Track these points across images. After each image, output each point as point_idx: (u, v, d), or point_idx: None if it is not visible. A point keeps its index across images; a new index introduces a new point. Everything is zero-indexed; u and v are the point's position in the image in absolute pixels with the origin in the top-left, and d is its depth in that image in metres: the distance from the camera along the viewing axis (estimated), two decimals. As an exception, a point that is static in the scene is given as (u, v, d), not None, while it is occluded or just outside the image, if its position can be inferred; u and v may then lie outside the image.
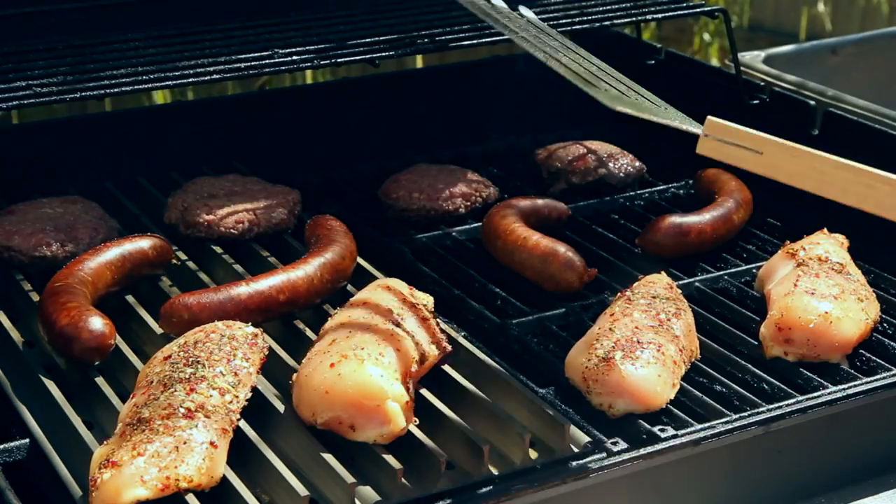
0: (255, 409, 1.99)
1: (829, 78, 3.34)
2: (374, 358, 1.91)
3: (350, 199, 2.96)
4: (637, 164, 3.03)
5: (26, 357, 2.20)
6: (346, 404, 1.88)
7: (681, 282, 2.49)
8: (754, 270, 2.59)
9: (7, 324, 2.31)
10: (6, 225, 2.53)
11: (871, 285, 2.43)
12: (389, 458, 1.85)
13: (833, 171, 1.59)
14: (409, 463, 1.88)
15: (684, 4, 3.01)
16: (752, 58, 3.44)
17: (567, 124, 3.32)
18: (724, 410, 2.08)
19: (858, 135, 2.83)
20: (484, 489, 1.87)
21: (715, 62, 5.79)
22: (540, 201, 2.78)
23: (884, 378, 2.18)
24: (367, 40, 2.73)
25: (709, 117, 1.87)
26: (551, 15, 2.94)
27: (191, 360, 1.95)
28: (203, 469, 1.77)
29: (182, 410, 1.83)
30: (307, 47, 2.69)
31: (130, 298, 2.37)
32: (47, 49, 2.64)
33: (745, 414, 2.07)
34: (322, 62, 2.64)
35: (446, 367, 2.11)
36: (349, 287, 2.41)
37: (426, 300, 2.23)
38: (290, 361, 2.12)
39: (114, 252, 2.35)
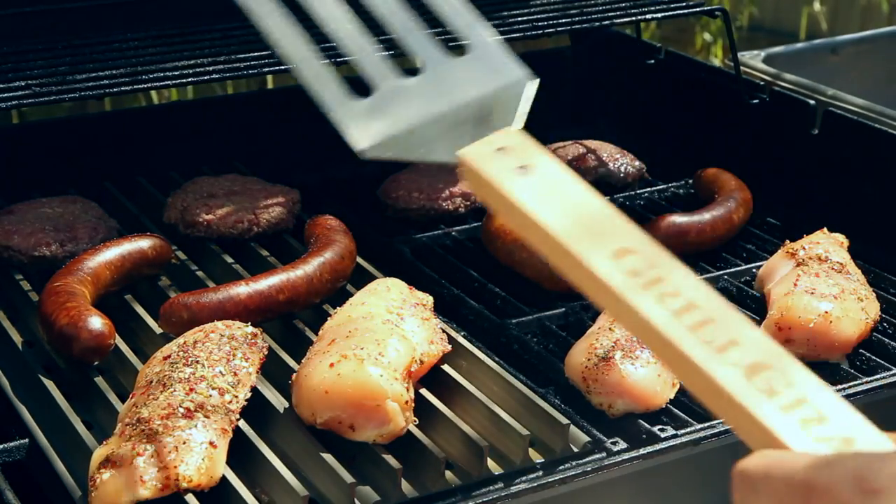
0: (255, 409, 1.99)
1: (828, 78, 3.33)
2: (373, 358, 1.91)
3: (350, 199, 2.96)
4: (637, 163, 3.03)
5: (26, 357, 2.20)
6: (346, 404, 1.87)
7: (681, 281, 2.49)
8: (754, 270, 2.59)
9: (6, 324, 2.32)
10: (5, 224, 2.52)
11: (871, 285, 2.43)
12: (389, 458, 1.85)
13: (565, 256, 1.19)
14: (409, 463, 1.88)
15: (684, 4, 3.01)
16: (752, 57, 3.43)
17: (567, 124, 3.32)
18: (724, 410, 2.08)
19: (858, 134, 2.83)
20: (484, 489, 1.87)
21: (717, 62, 5.78)
22: (540, 201, 2.77)
23: (884, 378, 2.18)
24: (367, 40, 2.73)
25: (459, 154, 1.35)
26: (551, 15, 2.93)
27: (190, 359, 1.95)
28: (202, 469, 1.77)
29: (181, 410, 1.83)
30: (307, 47, 2.68)
31: (130, 298, 2.37)
32: (47, 49, 2.64)
33: (745, 414, 2.07)
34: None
35: (446, 367, 2.11)
36: (349, 287, 2.40)
37: (426, 300, 2.23)
38: (290, 361, 2.12)
39: (113, 252, 2.35)
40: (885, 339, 2.32)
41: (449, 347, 2.13)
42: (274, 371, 2.11)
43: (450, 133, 1.39)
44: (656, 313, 1.08)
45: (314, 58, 1.52)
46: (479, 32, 1.47)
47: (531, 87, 1.43)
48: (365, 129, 1.40)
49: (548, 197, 1.26)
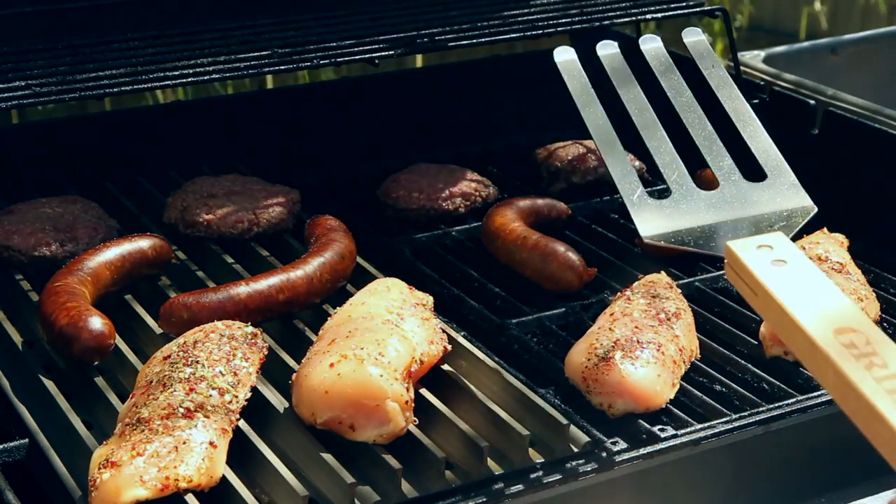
0: (255, 409, 1.99)
1: (828, 77, 3.34)
2: (373, 358, 1.91)
3: (350, 199, 2.96)
4: (637, 163, 3.02)
5: (26, 357, 2.20)
6: (346, 404, 1.87)
7: (681, 282, 2.49)
8: (754, 270, 2.59)
9: (6, 324, 2.31)
10: (6, 225, 2.52)
11: (871, 285, 2.43)
12: (389, 458, 1.85)
13: (795, 330, 1.48)
14: (409, 463, 1.88)
15: (684, 4, 3.01)
16: (752, 57, 3.43)
17: (567, 124, 3.31)
18: (724, 410, 2.08)
19: (858, 134, 2.83)
20: (484, 489, 1.87)
21: (716, 62, 5.78)
22: (540, 201, 2.78)
23: (884, 378, 2.18)
24: (367, 40, 2.73)
25: (727, 244, 1.66)
26: (551, 15, 2.94)
27: (190, 359, 1.94)
28: (202, 469, 1.77)
29: (181, 410, 1.83)
30: (307, 47, 2.69)
31: (130, 298, 2.37)
32: (47, 49, 2.64)
33: (745, 414, 2.07)
34: (322, 62, 2.64)
35: (446, 367, 2.11)
36: (349, 287, 2.40)
37: (426, 300, 2.23)
38: (290, 361, 2.12)
39: (113, 252, 2.35)
40: (885, 339, 2.32)
41: (449, 347, 2.13)
42: (274, 371, 2.11)
43: (725, 235, 1.74)
44: (861, 377, 1.31)
45: (625, 157, 1.95)
46: (778, 165, 1.89)
47: (812, 212, 1.82)
48: (652, 223, 1.82)
49: (793, 286, 1.51)
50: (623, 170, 1.92)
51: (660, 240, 1.81)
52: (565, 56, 2.08)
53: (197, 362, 1.94)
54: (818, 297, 1.49)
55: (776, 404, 2.10)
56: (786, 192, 1.88)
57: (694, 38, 2.16)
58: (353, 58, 2.68)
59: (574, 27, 2.92)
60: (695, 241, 1.79)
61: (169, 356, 1.98)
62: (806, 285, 1.52)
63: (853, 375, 1.32)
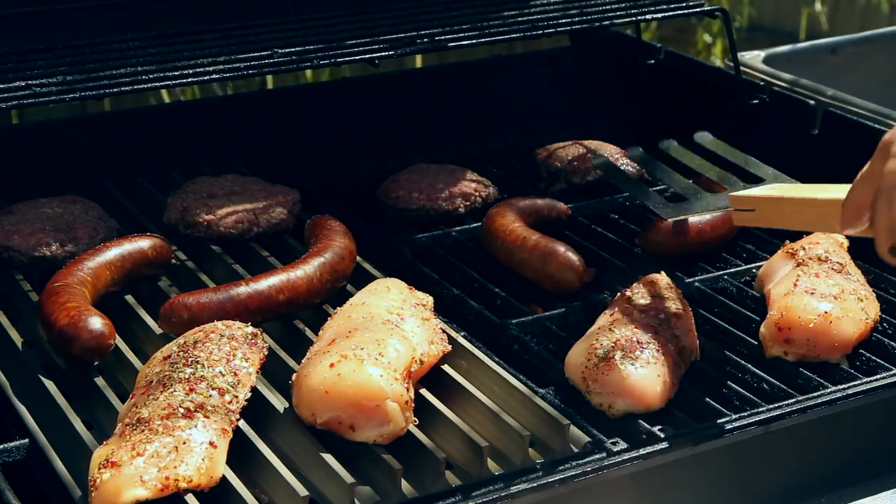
0: (255, 409, 1.99)
1: (828, 78, 3.34)
2: (373, 358, 1.91)
3: (350, 199, 2.96)
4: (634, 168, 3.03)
5: (26, 357, 2.20)
6: (346, 404, 1.88)
7: (681, 282, 2.49)
8: (754, 270, 2.59)
9: (7, 324, 2.31)
10: (6, 225, 2.52)
11: (871, 285, 2.43)
12: (389, 459, 1.85)
13: (784, 205, 2.10)
14: (409, 463, 1.88)
15: (684, 4, 3.01)
16: (752, 58, 3.43)
17: (567, 124, 3.32)
18: (724, 410, 2.08)
19: (858, 134, 2.83)
20: (484, 489, 1.87)
21: (718, 63, 5.79)
22: (540, 201, 2.78)
23: (884, 378, 2.18)
24: (367, 40, 2.73)
25: (729, 194, 2.25)
26: (551, 15, 2.94)
27: (190, 360, 1.95)
28: (202, 469, 1.77)
29: (181, 410, 1.83)
30: (307, 47, 2.69)
31: (130, 298, 2.37)
32: (47, 49, 2.64)
33: (745, 414, 2.07)
34: (322, 62, 2.65)
35: (446, 367, 2.11)
36: (349, 287, 2.40)
37: (426, 300, 2.23)
38: (290, 361, 2.12)
39: (113, 252, 2.35)
40: (885, 340, 2.32)
41: (449, 347, 2.13)
42: (274, 371, 2.11)
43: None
44: (839, 194, 1.90)
45: (641, 181, 2.77)
46: (776, 176, 2.40)
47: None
48: (670, 210, 2.40)
49: (779, 190, 2.17)
50: (640, 187, 2.59)
51: (678, 215, 2.38)
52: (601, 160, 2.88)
53: (197, 362, 1.94)
54: (804, 190, 2.09)
55: (776, 404, 2.10)
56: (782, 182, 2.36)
57: (705, 139, 2.67)
58: (353, 58, 2.68)
59: (574, 27, 2.92)
60: (707, 211, 2.41)
61: (169, 356, 1.98)
62: (794, 189, 2.16)
63: (831, 195, 1.92)
